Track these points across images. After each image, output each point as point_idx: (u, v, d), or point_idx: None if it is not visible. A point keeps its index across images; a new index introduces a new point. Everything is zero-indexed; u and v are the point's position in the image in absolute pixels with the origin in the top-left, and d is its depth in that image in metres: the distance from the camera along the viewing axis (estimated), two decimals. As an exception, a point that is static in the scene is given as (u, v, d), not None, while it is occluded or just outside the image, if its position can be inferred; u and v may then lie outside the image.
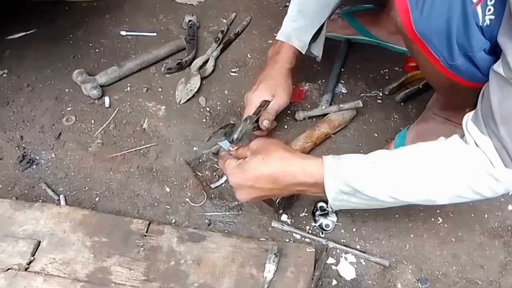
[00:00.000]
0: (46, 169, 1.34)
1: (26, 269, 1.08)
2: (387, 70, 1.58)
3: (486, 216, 1.23)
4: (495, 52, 0.94)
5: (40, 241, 1.12)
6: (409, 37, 0.95)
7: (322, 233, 1.21)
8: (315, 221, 1.23)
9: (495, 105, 0.82)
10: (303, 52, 1.31)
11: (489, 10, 0.87)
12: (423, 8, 0.89)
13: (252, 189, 1.00)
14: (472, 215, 1.23)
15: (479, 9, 0.86)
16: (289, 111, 1.47)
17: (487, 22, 0.88)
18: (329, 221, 1.22)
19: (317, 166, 0.95)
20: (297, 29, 1.30)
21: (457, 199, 0.91)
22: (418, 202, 0.93)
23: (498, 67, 0.83)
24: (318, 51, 1.37)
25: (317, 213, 1.23)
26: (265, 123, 1.22)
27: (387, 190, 0.92)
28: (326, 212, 1.23)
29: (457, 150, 0.89)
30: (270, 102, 1.25)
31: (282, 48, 1.31)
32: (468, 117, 0.90)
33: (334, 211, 1.23)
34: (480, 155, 0.85)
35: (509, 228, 1.21)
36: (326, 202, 1.23)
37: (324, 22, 1.32)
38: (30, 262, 1.09)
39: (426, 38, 0.92)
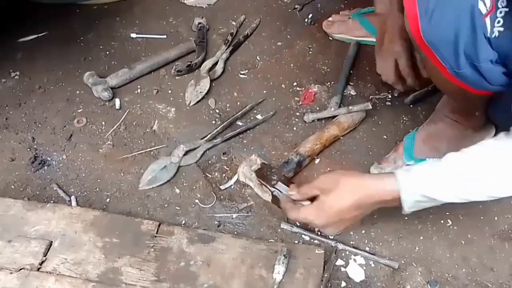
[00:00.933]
0: (58, 170, 1.35)
1: (38, 269, 1.09)
2: (396, 72, 1.58)
3: (496, 218, 1.23)
4: (503, 63, 0.95)
5: (52, 242, 1.13)
6: (416, 44, 0.95)
7: (331, 235, 1.21)
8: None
9: None
10: None
11: (498, 22, 0.87)
12: (432, 16, 0.89)
13: (339, 222, 1.05)
14: (482, 217, 1.23)
15: (488, 20, 0.87)
16: (298, 113, 1.48)
17: (496, 33, 0.88)
18: None
19: (392, 183, 0.97)
20: None
21: None
22: (489, 199, 0.97)
23: None
24: None
25: None
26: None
27: (459, 195, 0.95)
28: None
29: None
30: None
31: None
32: None
33: None
34: None
35: (520, 230, 1.21)
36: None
37: None
38: (42, 262, 1.10)
39: (434, 46, 0.93)
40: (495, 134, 1.32)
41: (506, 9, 0.86)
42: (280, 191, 1.15)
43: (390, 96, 1.51)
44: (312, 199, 1.07)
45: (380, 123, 1.45)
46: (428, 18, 0.89)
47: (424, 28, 0.91)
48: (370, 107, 1.39)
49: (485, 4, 0.85)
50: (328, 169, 1.34)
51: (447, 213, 1.23)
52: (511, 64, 0.95)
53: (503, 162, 0.92)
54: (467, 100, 1.16)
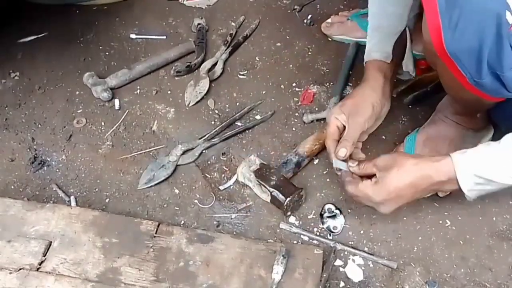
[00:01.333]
0: (57, 170, 1.36)
1: (37, 269, 1.09)
2: (395, 73, 1.58)
3: (494, 218, 1.23)
4: None
5: (51, 242, 1.14)
6: (437, 55, 0.94)
7: (330, 235, 1.21)
8: (323, 223, 1.24)
9: None
10: (388, 61, 1.24)
11: None
12: (456, 28, 0.87)
13: (396, 199, 1.07)
14: (481, 217, 1.23)
15: None
16: (297, 114, 1.48)
17: None
18: (337, 223, 1.23)
19: (448, 164, 1.00)
20: (376, 43, 1.26)
21: None
22: None
23: None
24: (410, 66, 1.28)
25: (325, 215, 1.24)
26: (340, 152, 1.14)
27: None
28: (334, 214, 1.23)
29: None
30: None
31: (367, 69, 1.26)
32: None
33: (341, 213, 1.24)
34: None
35: (518, 231, 1.21)
36: (333, 204, 1.25)
37: (406, 35, 1.26)
38: (42, 262, 1.10)
39: (456, 56, 0.92)
40: (494, 134, 1.32)
41: None
42: (343, 169, 1.15)
43: (389, 97, 1.51)
44: (369, 177, 1.10)
45: (379, 123, 1.45)
46: (452, 29, 0.88)
47: (448, 39, 0.89)
48: (369, 107, 1.39)
49: None
50: (327, 169, 1.34)
51: (446, 213, 1.24)
52: None
53: None
54: (477, 106, 1.16)
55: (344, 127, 1.18)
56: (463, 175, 0.99)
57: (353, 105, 1.19)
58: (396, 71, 1.28)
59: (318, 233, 1.22)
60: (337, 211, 1.24)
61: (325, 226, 1.23)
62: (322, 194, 1.29)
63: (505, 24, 0.85)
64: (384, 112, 1.25)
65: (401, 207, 1.10)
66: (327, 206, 1.24)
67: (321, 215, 1.24)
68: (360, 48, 1.64)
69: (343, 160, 1.16)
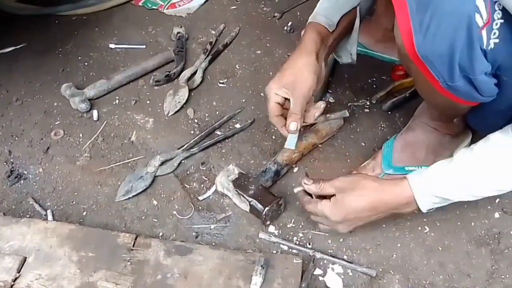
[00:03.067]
0: (34, 183, 1.34)
1: (11, 286, 1.07)
2: (374, 79, 1.58)
3: (473, 224, 1.23)
4: (496, 74, 0.95)
5: (26, 257, 1.12)
6: (410, 58, 0.94)
7: (309, 244, 1.21)
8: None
9: None
10: (330, 30, 1.19)
11: (494, 34, 0.87)
12: (427, 31, 0.87)
13: (354, 220, 1.10)
14: (459, 223, 1.23)
15: (484, 33, 0.86)
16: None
17: (492, 45, 0.88)
18: None
19: (406, 189, 1.03)
20: (326, 8, 1.22)
21: None
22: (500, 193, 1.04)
23: None
24: (353, 49, 1.27)
25: None
26: (291, 127, 1.12)
27: (471, 192, 1.02)
28: None
29: None
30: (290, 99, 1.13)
31: (307, 29, 1.20)
32: None
33: None
34: None
35: (496, 236, 1.21)
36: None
37: (356, 15, 1.23)
38: (16, 278, 1.08)
39: (428, 60, 0.91)
40: (472, 139, 1.33)
41: (502, 21, 0.85)
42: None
43: (368, 103, 1.51)
44: (325, 197, 1.11)
45: (358, 130, 1.45)
46: (423, 33, 0.87)
47: (419, 43, 0.89)
48: (348, 114, 1.39)
49: (481, 17, 0.84)
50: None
51: (424, 220, 1.24)
52: (503, 74, 0.95)
53: (497, 167, 0.98)
54: (452, 110, 1.16)
55: (286, 99, 1.14)
56: (422, 198, 1.03)
57: (292, 75, 1.13)
58: (334, 46, 1.26)
59: (297, 242, 1.21)
60: None
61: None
62: (302, 203, 1.29)
63: (475, 27, 0.84)
64: (322, 76, 1.20)
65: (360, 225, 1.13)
66: None
67: None
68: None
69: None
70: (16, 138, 1.45)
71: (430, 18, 0.86)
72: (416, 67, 0.96)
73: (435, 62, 0.92)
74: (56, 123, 1.49)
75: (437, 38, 0.87)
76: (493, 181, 1.00)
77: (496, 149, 0.98)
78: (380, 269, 1.16)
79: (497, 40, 0.87)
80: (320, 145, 1.41)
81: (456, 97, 1.01)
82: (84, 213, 1.28)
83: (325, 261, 1.18)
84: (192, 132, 1.46)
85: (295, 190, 1.20)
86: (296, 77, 1.13)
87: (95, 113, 1.50)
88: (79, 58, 1.69)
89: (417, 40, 0.89)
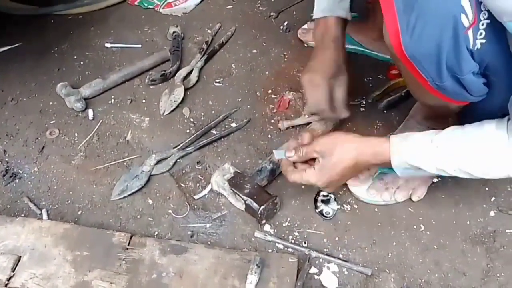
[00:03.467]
0: (29, 183, 1.34)
1: (6, 285, 1.07)
2: (370, 78, 1.59)
3: (468, 222, 1.23)
4: (484, 74, 0.95)
5: (20, 256, 1.11)
6: (398, 57, 0.94)
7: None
8: (316, 207, 1.25)
9: None
10: (349, 19, 1.26)
11: (481, 34, 0.87)
12: (413, 31, 0.87)
13: (339, 180, 1.13)
14: (454, 222, 1.24)
15: (470, 33, 0.87)
16: (272, 121, 1.48)
17: (478, 46, 0.89)
18: (330, 208, 1.24)
19: (385, 150, 1.05)
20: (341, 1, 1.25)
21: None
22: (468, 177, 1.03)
23: None
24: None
25: (319, 198, 1.26)
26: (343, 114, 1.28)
27: (438, 166, 1.01)
28: (328, 198, 1.26)
29: (502, 144, 0.95)
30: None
31: (329, 23, 1.24)
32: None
33: (335, 199, 1.27)
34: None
35: (491, 234, 1.21)
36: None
37: None
38: (10, 278, 1.08)
39: (416, 59, 0.92)
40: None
41: (488, 21, 0.86)
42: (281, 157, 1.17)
43: (364, 102, 1.51)
44: (309, 161, 1.13)
45: (354, 129, 1.45)
46: (410, 33, 0.88)
47: (406, 42, 0.89)
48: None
49: (467, 17, 0.84)
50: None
51: (420, 218, 1.24)
52: (491, 74, 0.96)
53: (482, 144, 0.97)
54: (444, 109, 1.17)
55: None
56: (396, 160, 1.04)
57: (336, 67, 1.25)
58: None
59: (293, 241, 1.21)
60: (332, 196, 1.26)
61: (318, 210, 1.25)
62: (297, 201, 1.29)
63: (461, 27, 0.85)
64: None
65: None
66: (323, 192, 1.27)
67: (315, 200, 1.26)
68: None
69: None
70: (11, 138, 1.44)
71: (415, 19, 0.87)
72: (405, 67, 0.96)
73: (422, 62, 0.92)
74: (52, 122, 1.48)
75: (423, 38, 0.88)
76: (468, 164, 0.99)
77: (485, 137, 0.97)
78: (376, 268, 1.16)
79: (483, 41, 0.88)
80: (315, 144, 1.40)
81: (445, 96, 1.01)
82: (79, 212, 1.27)
83: (321, 260, 1.18)
84: (187, 131, 1.46)
85: (274, 153, 1.19)
86: (335, 74, 1.25)
87: (90, 112, 1.49)
88: (75, 57, 1.68)
89: (404, 40, 0.90)
